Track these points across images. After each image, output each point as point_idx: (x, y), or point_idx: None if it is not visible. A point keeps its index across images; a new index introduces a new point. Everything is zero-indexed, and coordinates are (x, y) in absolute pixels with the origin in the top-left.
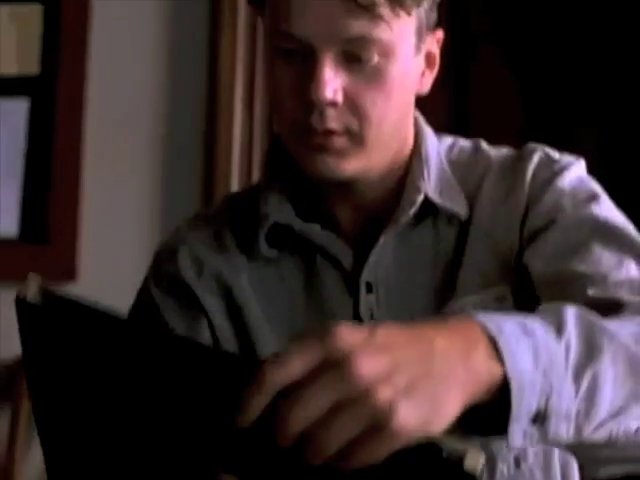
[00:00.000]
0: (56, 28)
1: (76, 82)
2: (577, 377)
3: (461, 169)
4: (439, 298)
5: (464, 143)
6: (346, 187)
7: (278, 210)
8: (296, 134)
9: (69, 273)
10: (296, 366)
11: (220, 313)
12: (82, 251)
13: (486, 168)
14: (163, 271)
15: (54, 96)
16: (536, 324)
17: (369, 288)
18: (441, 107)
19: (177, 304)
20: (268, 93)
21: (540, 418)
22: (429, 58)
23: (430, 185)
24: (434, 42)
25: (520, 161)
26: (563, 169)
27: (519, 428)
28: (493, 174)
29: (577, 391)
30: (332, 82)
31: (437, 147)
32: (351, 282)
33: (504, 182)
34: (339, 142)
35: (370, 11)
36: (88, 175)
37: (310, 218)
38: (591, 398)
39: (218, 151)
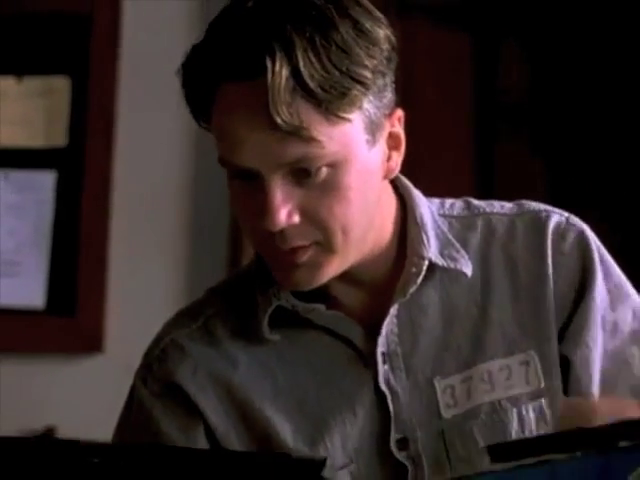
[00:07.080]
0: (84, 100)
1: (103, 154)
2: None
3: (456, 224)
4: (460, 358)
5: (452, 199)
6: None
7: (278, 294)
8: (265, 252)
9: (95, 345)
10: None
11: (216, 410)
12: (108, 323)
13: (488, 227)
14: (153, 373)
15: (81, 168)
16: None
17: (383, 358)
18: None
19: (168, 408)
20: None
21: None
22: (393, 140)
23: (431, 250)
24: (395, 123)
25: (536, 229)
26: (582, 234)
27: None
28: (501, 239)
29: None
30: (284, 206)
31: (429, 207)
32: (364, 355)
33: (520, 249)
34: (308, 255)
35: (299, 135)
36: (115, 246)
37: (310, 295)
38: None
39: None
